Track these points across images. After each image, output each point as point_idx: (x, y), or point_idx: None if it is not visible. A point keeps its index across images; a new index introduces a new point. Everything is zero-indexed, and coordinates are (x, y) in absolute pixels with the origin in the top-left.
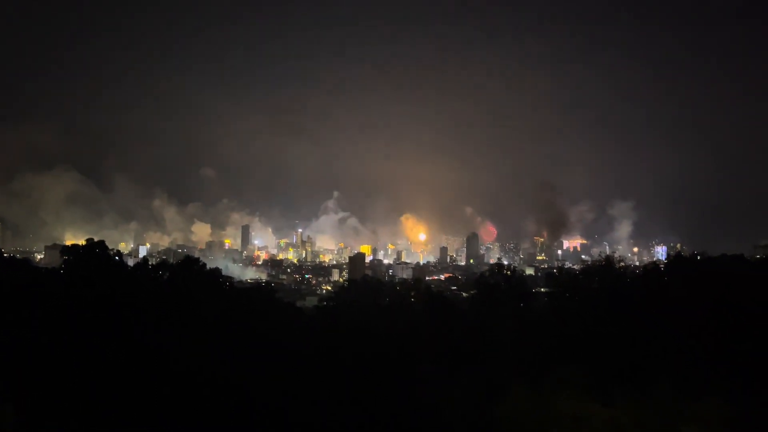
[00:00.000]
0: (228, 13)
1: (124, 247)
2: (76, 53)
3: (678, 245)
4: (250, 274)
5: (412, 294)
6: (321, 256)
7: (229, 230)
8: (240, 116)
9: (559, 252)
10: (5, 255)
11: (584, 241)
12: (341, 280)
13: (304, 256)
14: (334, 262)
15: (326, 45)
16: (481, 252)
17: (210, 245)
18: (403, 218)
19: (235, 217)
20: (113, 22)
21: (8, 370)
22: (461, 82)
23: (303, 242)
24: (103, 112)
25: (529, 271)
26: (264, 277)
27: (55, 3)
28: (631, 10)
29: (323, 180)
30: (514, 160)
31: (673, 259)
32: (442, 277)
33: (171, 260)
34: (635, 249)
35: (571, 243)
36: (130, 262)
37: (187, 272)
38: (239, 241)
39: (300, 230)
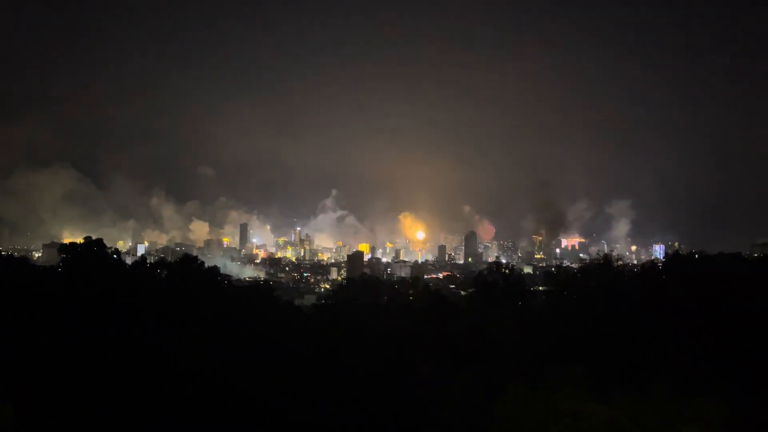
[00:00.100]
0: (226, 11)
1: (122, 245)
2: (74, 51)
3: (676, 244)
4: (248, 273)
5: (411, 292)
6: (319, 254)
7: (228, 228)
8: (238, 114)
9: (558, 250)
10: (3, 253)
11: (582, 240)
12: (339, 278)
13: (302, 254)
14: (333, 261)
15: (325, 44)
16: (480, 250)
17: (208, 243)
18: (401, 216)
19: (234, 215)
20: (111, 19)
21: (8, 369)
22: (460, 81)
23: (301, 240)
24: (101, 110)
25: (528, 270)
26: (262, 275)
27: (52, 0)
28: (631, 11)
29: (322, 178)
30: (513, 158)
31: (671, 257)
32: (441, 275)
33: (169, 258)
34: (633, 247)
35: (570, 241)
36: (128, 261)
37: (185, 271)
38: (237, 239)
39: (298, 228)
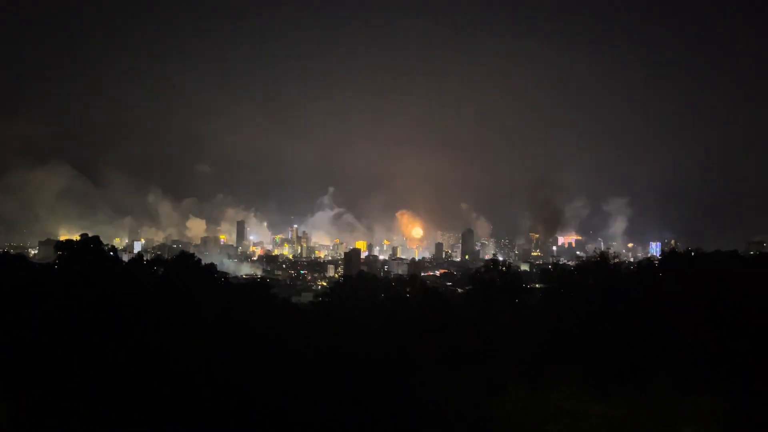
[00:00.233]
0: (223, 9)
1: (119, 242)
2: (70, 49)
3: (672, 241)
4: (245, 270)
5: (408, 290)
6: (316, 251)
7: (225, 226)
8: (235, 112)
9: (554, 248)
10: None
11: (579, 237)
12: (337, 276)
13: (299, 251)
14: (330, 258)
15: (323, 43)
16: (477, 248)
17: (205, 241)
18: (398, 214)
19: (231, 212)
20: (108, 17)
21: (8, 370)
22: (457, 80)
23: (298, 238)
24: (98, 107)
25: (524, 267)
26: (259, 272)
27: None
28: (628, 10)
29: (319, 176)
30: (510, 156)
31: (668, 255)
32: (438, 273)
33: (166, 256)
34: (630, 245)
35: (566, 239)
36: (125, 258)
37: (182, 268)
38: (234, 236)
39: (295, 226)
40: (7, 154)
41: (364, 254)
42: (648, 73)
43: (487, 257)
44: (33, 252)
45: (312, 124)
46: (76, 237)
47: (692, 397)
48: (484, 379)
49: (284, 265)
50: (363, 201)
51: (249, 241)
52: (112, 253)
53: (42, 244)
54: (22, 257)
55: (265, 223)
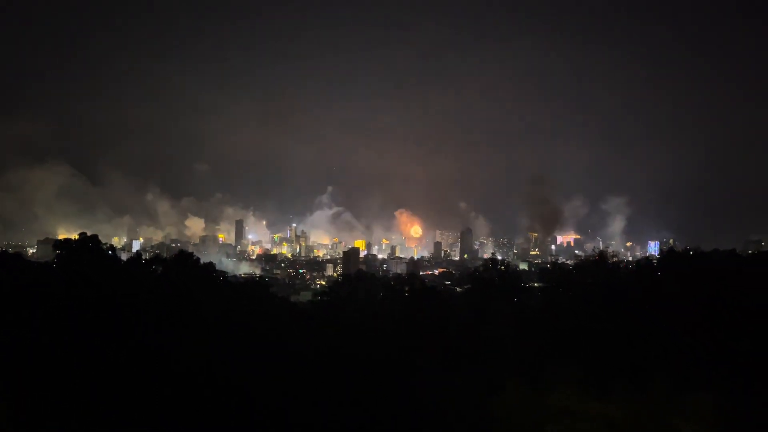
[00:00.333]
0: (221, 8)
1: (117, 241)
2: (69, 48)
3: (671, 240)
4: (243, 269)
5: (407, 289)
6: (315, 250)
7: (223, 225)
8: (234, 111)
9: (553, 247)
10: None
11: (578, 236)
12: (335, 274)
13: (298, 250)
14: (328, 257)
15: (321, 42)
16: (475, 247)
17: (204, 240)
18: (397, 213)
19: (229, 211)
20: (107, 16)
21: (8, 369)
22: (456, 79)
23: (297, 237)
24: (96, 107)
25: (523, 266)
26: (258, 271)
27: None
28: (627, 10)
29: (317, 175)
30: (509, 155)
31: (666, 254)
32: (436, 272)
33: (164, 255)
34: (628, 244)
35: (565, 238)
36: (124, 257)
37: (181, 267)
38: (233, 235)
39: (294, 225)
40: (6, 153)
41: (362, 253)
42: (647, 72)
43: (485, 256)
44: (31, 251)
45: (311, 123)
46: (74, 236)
47: (691, 395)
48: (483, 378)
49: (283, 264)
50: (362, 200)
51: (248, 240)
52: (110, 252)
53: (40, 243)
54: (20, 256)
55: (264, 222)
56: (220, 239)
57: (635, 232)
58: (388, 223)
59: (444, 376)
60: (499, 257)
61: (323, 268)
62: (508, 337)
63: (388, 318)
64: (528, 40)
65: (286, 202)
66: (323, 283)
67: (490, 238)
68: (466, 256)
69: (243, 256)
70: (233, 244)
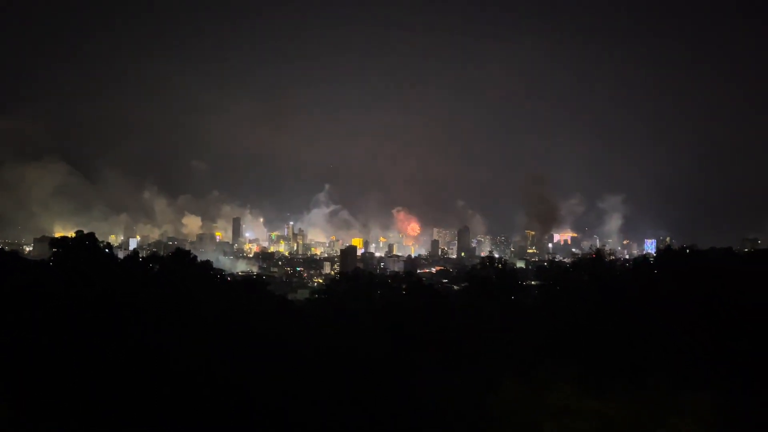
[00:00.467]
0: (218, 5)
1: (114, 239)
2: (67, 46)
3: (667, 239)
4: (241, 267)
5: (404, 287)
6: (312, 249)
7: (220, 223)
8: (231, 109)
9: (550, 245)
10: None
11: (575, 235)
12: (333, 273)
13: (295, 248)
14: (326, 255)
15: (319, 40)
16: (473, 245)
17: (201, 238)
18: (394, 211)
19: (226, 209)
20: (103, 14)
21: (7, 369)
22: (453, 77)
23: (294, 235)
24: (92, 103)
25: (520, 264)
26: (255, 269)
27: None
28: (624, 8)
29: (315, 173)
30: (506, 153)
31: (663, 252)
32: (434, 270)
33: (162, 253)
34: (625, 242)
35: (562, 236)
36: (120, 255)
37: (178, 265)
38: (230, 233)
39: (291, 223)
40: (2, 151)
41: (360, 251)
42: (643, 70)
43: (482, 254)
44: (28, 249)
45: (309, 121)
46: (71, 234)
47: (689, 393)
48: (480, 376)
49: (280, 262)
50: (359, 198)
51: (245, 238)
52: (107, 250)
53: (37, 241)
54: (17, 254)
55: (261, 220)
56: (217, 237)
57: (632, 231)
58: (386, 221)
59: (442, 374)
60: (496, 255)
61: (321, 266)
62: (505, 335)
63: (386, 316)
64: (526, 40)
65: (283, 200)
66: (320, 281)
67: (487, 236)
68: (463, 254)
69: (240, 254)
70: (230, 242)
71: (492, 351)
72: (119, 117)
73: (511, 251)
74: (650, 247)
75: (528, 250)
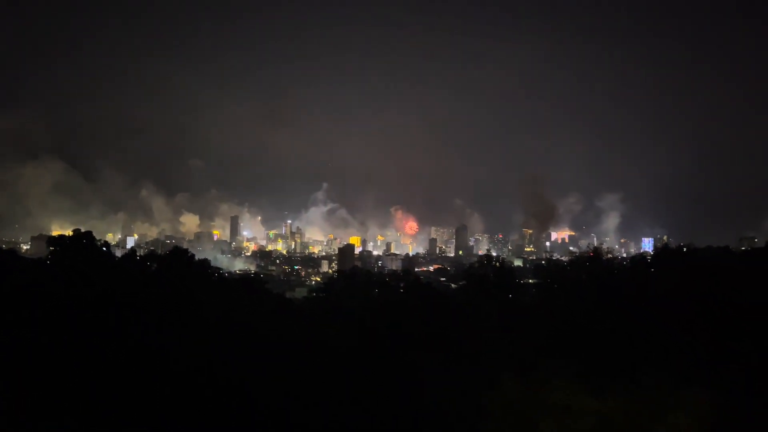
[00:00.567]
0: (215, 4)
1: (112, 237)
2: (62, 43)
3: (665, 237)
4: (238, 266)
5: (402, 285)
6: (310, 247)
7: (218, 221)
8: (229, 107)
9: (548, 243)
10: None
11: (572, 233)
12: (330, 271)
13: (293, 247)
14: (324, 254)
15: (316, 37)
16: (470, 243)
17: (198, 236)
18: (392, 210)
19: (224, 207)
20: (99, 12)
21: (7, 369)
22: (451, 75)
23: (292, 233)
24: (90, 102)
25: (518, 263)
26: (253, 268)
27: None
28: (621, 7)
29: (313, 171)
30: (504, 151)
31: (660, 250)
32: (431, 268)
33: (159, 251)
34: (622, 240)
35: (560, 234)
36: (118, 253)
37: (176, 263)
38: (228, 232)
39: (289, 221)
40: None
41: (357, 250)
42: (641, 69)
43: (480, 252)
44: (25, 247)
45: (306, 119)
46: (68, 232)
47: (687, 391)
48: (478, 375)
49: (278, 261)
50: (357, 196)
51: (242, 236)
52: (105, 249)
53: (34, 239)
54: (14, 253)
55: (259, 218)
56: (215, 236)
57: (629, 229)
58: (384, 220)
59: (441, 373)
60: (494, 253)
61: (318, 265)
62: (503, 334)
63: (384, 315)
64: (524, 39)
65: (281, 198)
66: (318, 279)
67: (485, 235)
68: (461, 252)
69: (238, 252)
70: (228, 241)
71: (490, 349)
72: (117, 116)
73: (509, 250)
74: (647, 245)
75: (526, 249)
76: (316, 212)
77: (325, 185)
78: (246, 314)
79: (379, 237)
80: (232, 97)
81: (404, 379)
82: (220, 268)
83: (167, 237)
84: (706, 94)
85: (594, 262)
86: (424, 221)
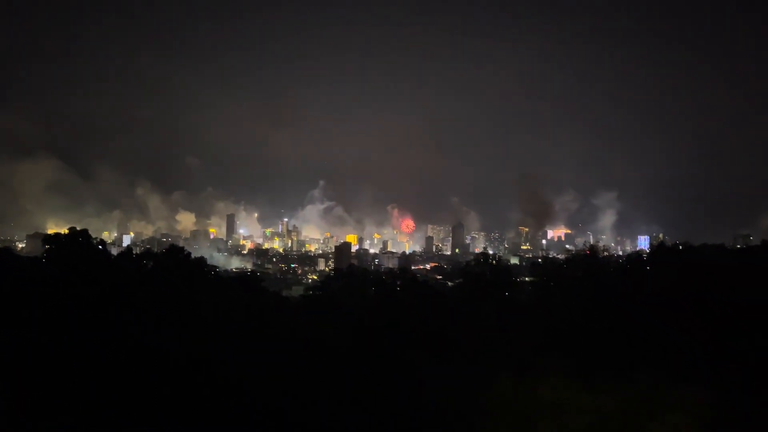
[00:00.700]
0: (214, 2)
1: (108, 235)
2: (58, 42)
3: (660, 235)
4: (235, 264)
5: (398, 283)
6: (307, 245)
7: (214, 219)
8: (225, 105)
9: (544, 241)
10: None
11: (568, 231)
12: (327, 269)
13: (289, 245)
14: (320, 252)
15: (313, 36)
16: (467, 241)
17: (195, 234)
18: (389, 208)
19: (220, 206)
20: (97, 10)
21: (7, 369)
22: (448, 74)
23: (289, 232)
24: (85, 99)
25: (514, 261)
26: (249, 266)
27: None
28: (616, 6)
29: (309, 169)
30: (501, 150)
31: (656, 248)
32: (428, 266)
33: (155, 249)
34: (618, 238)
35: (556, 232)
36: (114, 251)
37: (172, 262)
38: (224, 230)
39: (286, 220)
40: None
41: (354, 248)
42: (639, 68)
43: (477, 251)
44: (20, 245)
45: (303, 117)
46: (64, 230)
47: (683, 388)
48: (475, 373)
49: (274, 259)
50: (353, 195)
51: (239, 234)
52: (101, 247)
53: (30, 238)
54: (9, 251)
55: (256, 215)
56: (212, 234)
57: (625, 227)
58: (380, 218)
59: (437, 371)
60: (491, 251)
61: (315, 263)
62: (500, 332)
63: (381, 313)
64: (521, 36)
65: (277, 196)
66: (315, 277)
67: (482, 233)
68: (457, 250)
69: (234, 250)
70: (224, 239)
71: (487, 347)
72: (113, 114)
73: (505, 248)
74: (643, 243)
75: (522, 247)
76: (313, 210)
77: (321, 183)
78: (243, 313)
79: (375, 235)
80: (229, 96)
81: (402, 377)
82: (216, 267)
83: (163, 235)
84: (703, 92)
85: (590, 260)
86: (420, 219)
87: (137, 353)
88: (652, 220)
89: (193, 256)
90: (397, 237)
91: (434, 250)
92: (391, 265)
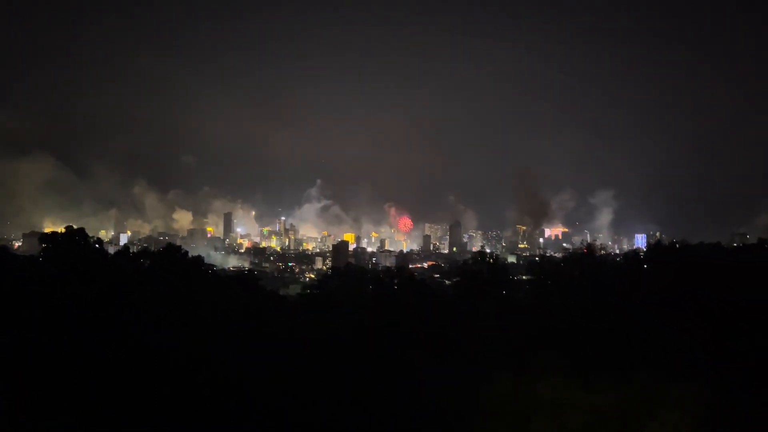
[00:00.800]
0: (214, 2)
1: (105, 234)
2: (54, 40)
3: (657, 233)
4: (232, 262)
5: (396, 282)
6: (304, 244)
7: (211, 218)
8: (222, 103)
9: (541, 240)
10: None
11: (566, 230)
12: (325, 268)
13: (287, 244)
14: (318, 251)
15: (311, 34)
16: (464, 240)
17: (192, 233)
18: (386, 206)
19: (217, 204)
20: (96, 10)
21: (7, 369)
22: (446, 73)
23: (286, 230)
24: (84, 99)
25: (512, 259)
26: (247, 265)
27: None
28: (616, 6)
29: (306, 168)
30: (498, 148)
31: (653, 247)
32: (426, 265)
33: (152, 248)
34: (615, 237)
35: (553, 231)
36: (111, 250)
37: (169, 260)
38: (221, 228)
39: (283, 218)
40: None
41: (352, 246)
42: (636, 67)
43: (474, 249)
44: (17, 244)
45: (302, 117)
46: (60, 229)
47: (677, 386)
48: (474, 371)
49: (272, 258)
50: (351, 193)
51: (236, 233)
52: (97, 246)
53: (26, 236)
54: (5, 249)
55: (253, 213)
56: (209, 232)
57: (622, 225)
58: (378, 217)
59: (436, 370)
60: (488, 250)
61: (312, 262)
62: (497, 330)
63: (379, 312)
64: (519, 35)
65: (274, 195)
66: (312, 276)
67: (479, 231)
68: (455, 249)
69: (231, 249)
70: (222, 238)
71: (485, 346)
72: (110, 113)
73: (503, 246)
74: (640, 241)
75: (519, 245)
76: (310, 209)
77: (319, 182)
78: (241, 312)
79: (373, 234)
80: (226, 94)
81: (400, 376)
82: (213, 265)
83: (160, 234)
84: (699, 91)
85: (587, 258)
86: (418, 218)
87: (136, 353)
88: (649, 218)
89: (190, 254)
90: (394, 235)
91: (432, 248)
92: (388, 264)
